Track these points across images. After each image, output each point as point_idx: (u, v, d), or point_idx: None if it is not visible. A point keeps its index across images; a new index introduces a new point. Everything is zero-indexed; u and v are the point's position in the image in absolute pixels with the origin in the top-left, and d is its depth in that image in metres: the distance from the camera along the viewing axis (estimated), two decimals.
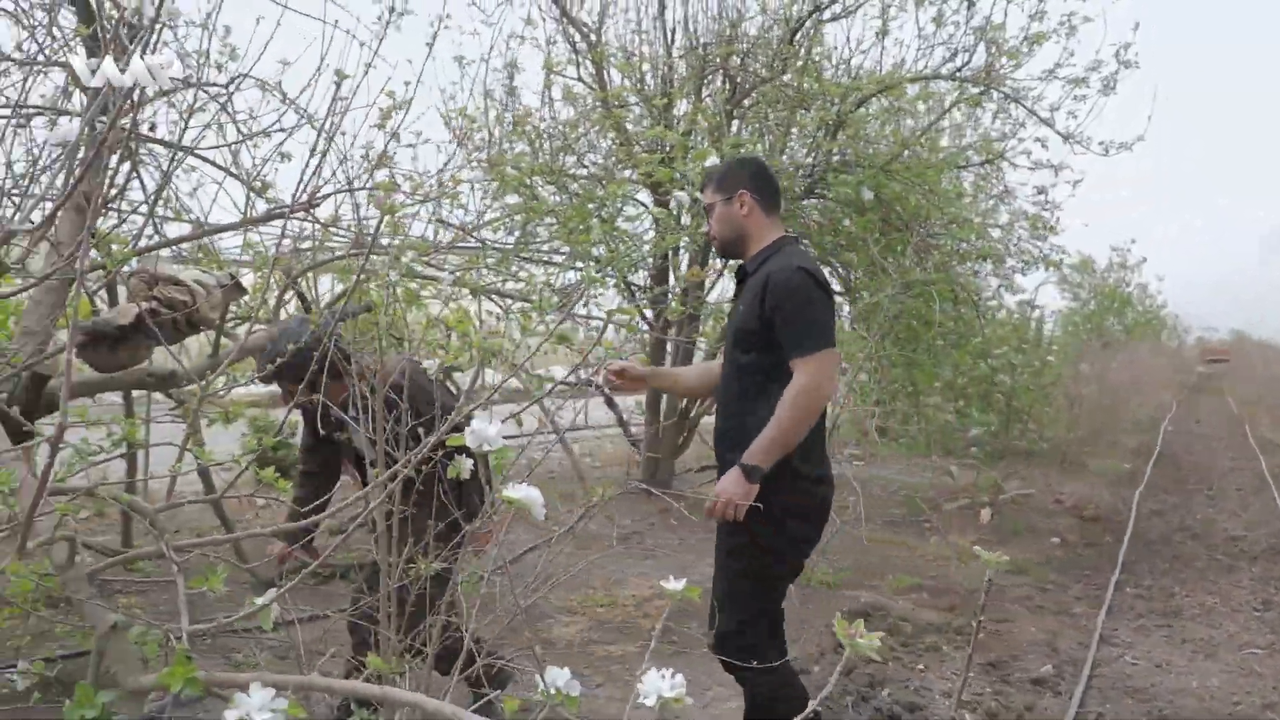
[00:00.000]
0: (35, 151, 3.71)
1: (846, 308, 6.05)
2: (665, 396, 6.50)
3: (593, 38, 5.65)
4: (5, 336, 3.66)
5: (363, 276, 4.14)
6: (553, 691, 1.44)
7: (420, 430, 1.93)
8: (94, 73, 1.40)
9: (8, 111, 3.65)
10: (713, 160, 3.71)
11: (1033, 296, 6.66)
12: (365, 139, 4.32)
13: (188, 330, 2.96)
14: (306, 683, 1.57)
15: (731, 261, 2.76)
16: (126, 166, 4.03)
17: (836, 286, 6.57)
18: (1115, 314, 15.53)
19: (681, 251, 5.85)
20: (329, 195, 4.00)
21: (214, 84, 4.09)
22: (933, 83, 5.72)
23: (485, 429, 1.39)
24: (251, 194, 4.14)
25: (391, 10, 3.75)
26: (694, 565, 5.15)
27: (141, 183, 4.42)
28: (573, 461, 6.87)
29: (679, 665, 3.75)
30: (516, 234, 5.06)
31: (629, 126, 5.61)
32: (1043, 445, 8.38)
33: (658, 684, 1.31)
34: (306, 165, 3.77)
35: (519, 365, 2.19)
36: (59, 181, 3.92)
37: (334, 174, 4.00)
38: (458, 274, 3.81)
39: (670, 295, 6.19)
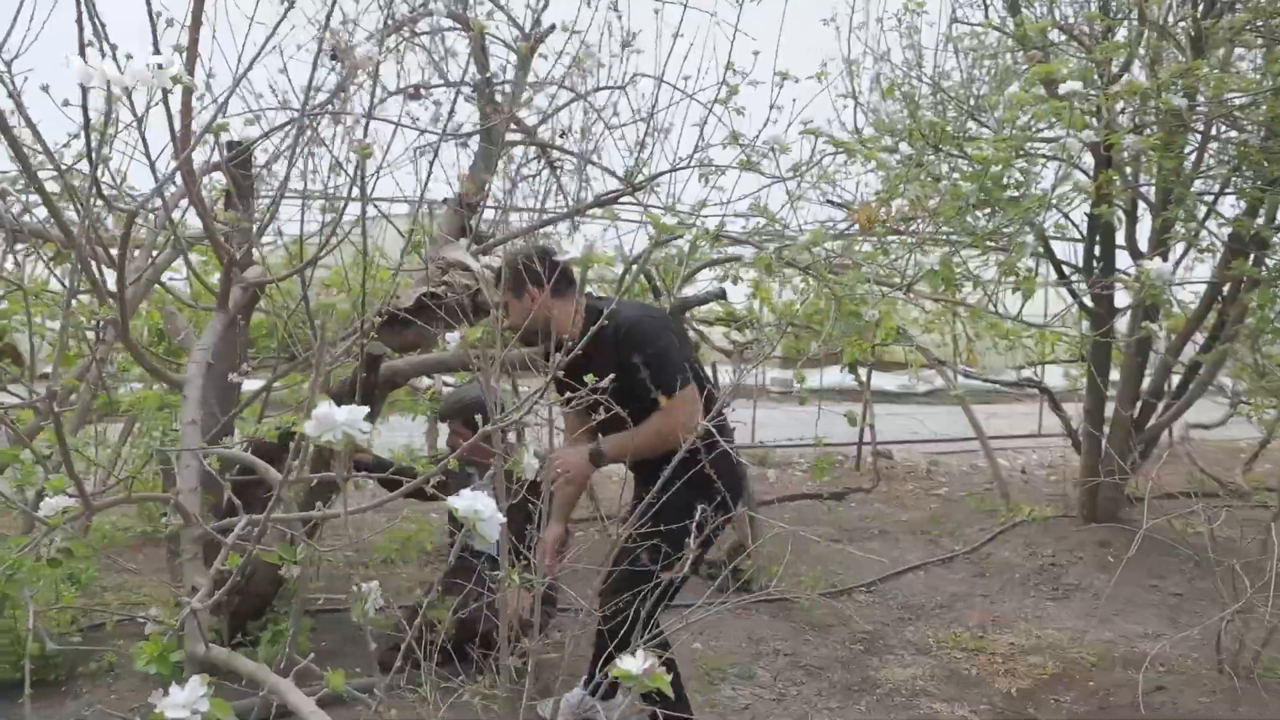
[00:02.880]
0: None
1: None
2: (1114, 397, 5.23)
3: None
4: None
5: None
6: None
7: None
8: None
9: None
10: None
11: None
12: (718, 118, 4.13)
13: (475, 314, 3.07)
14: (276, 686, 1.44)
15: None
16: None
17: None
18: None
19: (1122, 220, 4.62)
20: (655, 177, 3.93)
21: (611, 86, 4.29)
22: None
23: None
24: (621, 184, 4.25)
25: None
26: (1113, 618, 4.03)
27: (560, 184, 4.84)
28: (995, 472, 5.91)
29: None
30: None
31: (1075, 86, 4.58)
32: None
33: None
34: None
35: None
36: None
37: (660, 154, 3.92)
38: (776, 249, 3.41)
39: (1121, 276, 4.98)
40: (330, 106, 3.32)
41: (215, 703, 1.30)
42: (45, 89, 2.50)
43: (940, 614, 4.14)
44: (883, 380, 11.48)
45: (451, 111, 3.92)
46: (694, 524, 1.96)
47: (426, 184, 3.44)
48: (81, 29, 1.30)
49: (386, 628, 3.40)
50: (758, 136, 3.57)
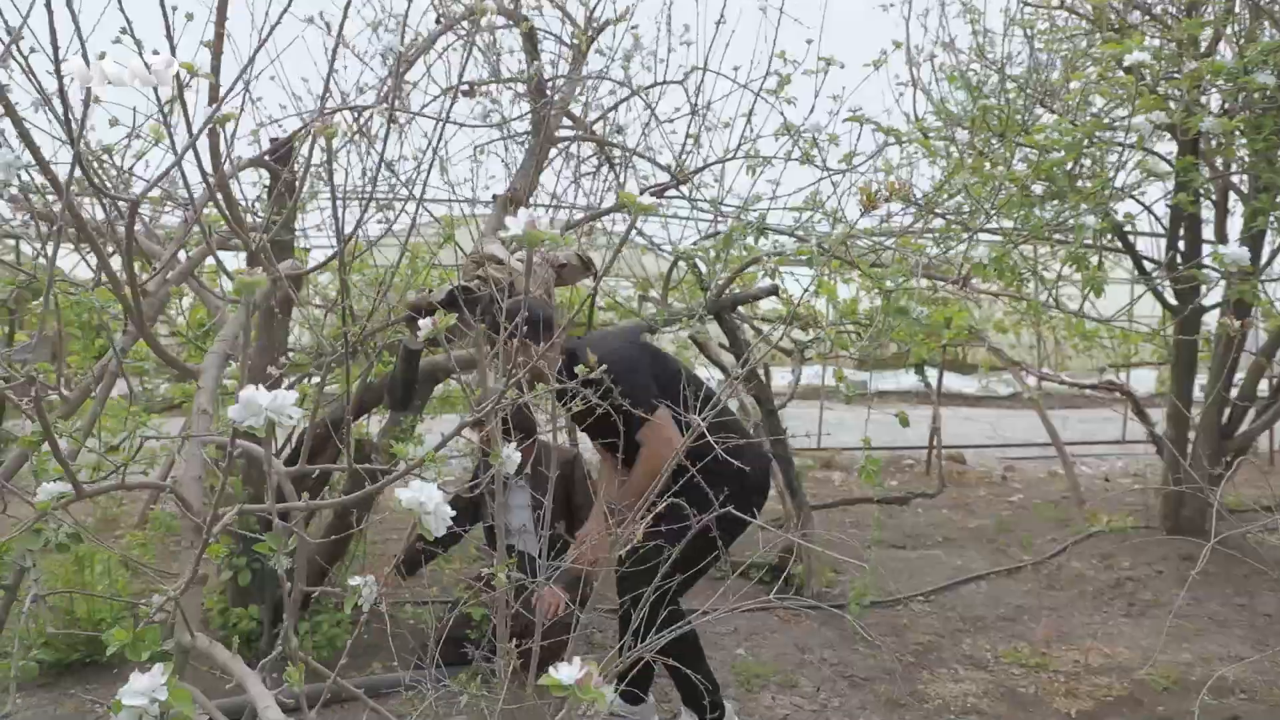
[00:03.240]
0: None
1: None
2: (1200, 398, 4.90)
3: None
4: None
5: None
6: None
7: None
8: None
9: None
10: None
11: None
12: (772, 104, 4.01)
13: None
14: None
15: None
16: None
17: None
18: None
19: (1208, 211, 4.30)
20: (700, 170, 3.84)
21: (667, 82, 4.24)
22: None
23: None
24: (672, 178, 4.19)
25: None
26: (1193, 638, 3.75)
27: (617, 175, 4.80)
28: (1070, 480, 5.61)
29: None
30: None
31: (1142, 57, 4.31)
32: None
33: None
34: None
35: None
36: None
37: (708, 148, 3.84)
38: (818, 241, 3.28)
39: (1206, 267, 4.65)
40: (388, 103, 3.35)
41: (175, 691, 1.28)
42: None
43: (1002, 627, 3.93)
44: (962, 383, 11.07)
45: (455, 92, 3.92)
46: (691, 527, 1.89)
47: (432, 175, 3.44)
48: (52, 17, 1.30)
49: (428, 622, 3.41)
50: (803, 123, 3.45)
